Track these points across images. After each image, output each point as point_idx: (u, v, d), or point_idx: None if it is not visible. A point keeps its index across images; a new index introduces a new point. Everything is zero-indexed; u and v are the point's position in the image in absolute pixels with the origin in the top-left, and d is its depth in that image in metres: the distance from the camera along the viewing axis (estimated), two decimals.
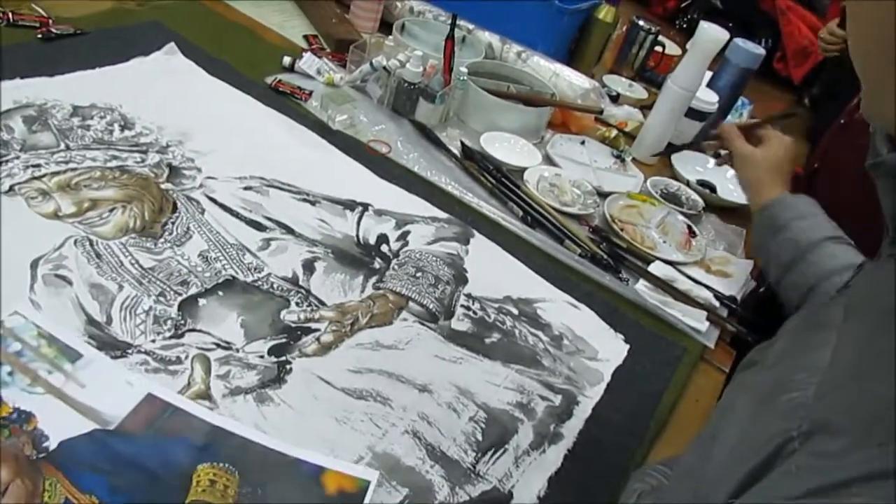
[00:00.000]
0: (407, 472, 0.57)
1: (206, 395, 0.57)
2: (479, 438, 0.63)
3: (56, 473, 0.46)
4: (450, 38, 1.09)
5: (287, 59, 1.10)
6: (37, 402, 0.49)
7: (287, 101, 1.01)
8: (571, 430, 0.67)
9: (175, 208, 0.75)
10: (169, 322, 0.62)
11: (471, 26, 1.32)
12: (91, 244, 0.66)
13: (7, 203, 0.67)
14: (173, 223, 0.73)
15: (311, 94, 1.05)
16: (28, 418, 0.48)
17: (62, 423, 0.49)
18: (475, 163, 1.03)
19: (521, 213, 0.96)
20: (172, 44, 1.01)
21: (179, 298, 0.65)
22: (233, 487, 0.50)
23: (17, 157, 0.73)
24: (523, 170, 1.04)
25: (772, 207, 0.89)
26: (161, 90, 0.93)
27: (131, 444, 0.50)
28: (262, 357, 0.62)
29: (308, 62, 1.10)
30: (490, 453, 0.62)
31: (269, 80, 1.05)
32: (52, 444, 0.48)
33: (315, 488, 0.52)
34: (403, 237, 0.83)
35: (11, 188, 0.69)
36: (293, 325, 0.66)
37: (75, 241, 0.66)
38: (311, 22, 1.32)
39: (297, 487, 0.52)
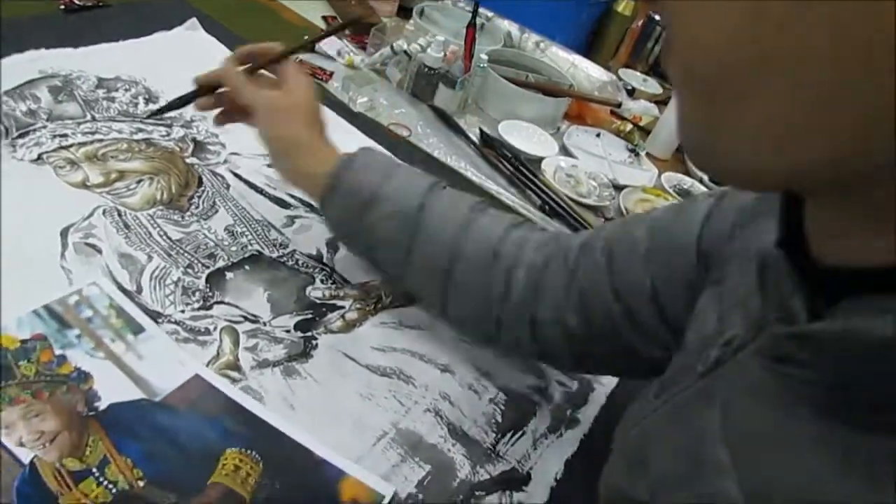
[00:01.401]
0: (429, 450, 0.58)
1: (235, 367, 0.58)
2: (499, 420, 0.64)
3: (100, 432, 0.47)
4: (471, 25, 1.10)
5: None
6: (96, 365, 0.51)
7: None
8: (587, 415, 0.68)
9: (200, 182, 0.75)
10: (197, 293, 0.63)
11: (490, 14, 1.32)
12: (119, 214, 0.67)
13: (36, 171, 0.68)
14: (199, 197, 0.73)
15: (332, 75, 1.05)
16: (86, 378, 0.50)
17: (114, 388, 0.50)
18: (494, 150, 1.03)
19: (539, 201, 0.97)
20: (194, 19, 1.01)
21: (207, 271, 0.65)
22: (254, 476, 0.50)
23: (45, 127, 0.73)
24: (541, 159, 1.05)
25: (343, 177, 0.63)
26: (184, 65, 0.92)
27: (171, 418, 0.51)
28: (288, 332, 0.63)
29: (329, 43, 1.10)
30: (509, 435, 0.63)
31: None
32: (102, 405, 0.49)
33: (330, 492, 0.52)
34: None
35: (40, 157, 0.69)
36: (318, 301, 0.67)
37: (104, 211, 0.66)
38: (331, 3, 1.32)
39: (314, 488, 0.52)
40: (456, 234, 0.62)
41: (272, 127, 0.66)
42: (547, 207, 0.96)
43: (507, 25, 1.32)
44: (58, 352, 0.50)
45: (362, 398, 0.60)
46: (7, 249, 0.58)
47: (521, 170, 1.01)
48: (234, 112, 0.70)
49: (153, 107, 0.73)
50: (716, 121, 0.26)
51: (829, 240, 0.29)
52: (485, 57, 1.13)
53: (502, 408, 0.65)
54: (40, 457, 0.45)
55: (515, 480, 0.59)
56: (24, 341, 0.49)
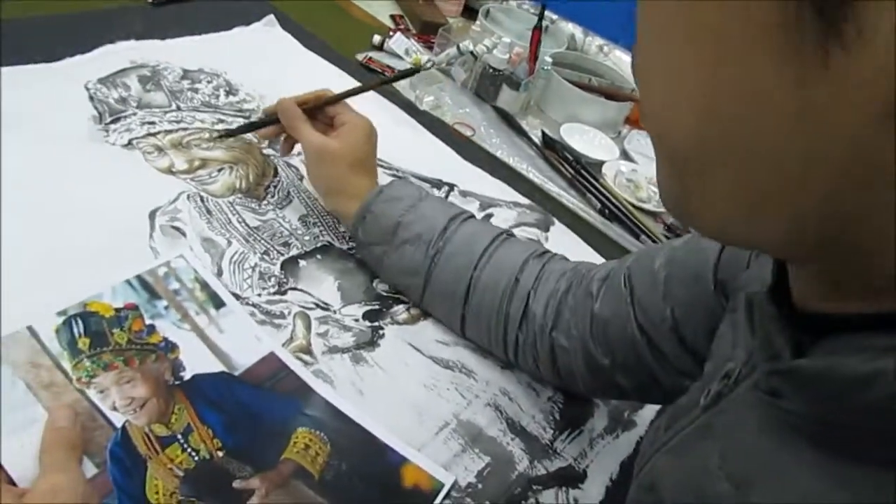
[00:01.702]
0: (489, 442, 0.60)
1: (307, 351, 0.60)
2: (557, 417, 0.65)
3: (185, 401, 0.50)
4: (537, 27, 1.11)
5: (377, 38, 1.13)
6: (182, 336, 0.54)
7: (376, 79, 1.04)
8: (644, 418, 0.69)
9: (276, 173, 0.78)
10: (273, 279, 0.65)
11: (554, 16, 1.33)
12: (202, 200, 0.70)
13: (127, 156, 0.72)
14: (275, 187, 0.76)
15: (404, 78, 1.07)
16: (173, 348, 0.53)
17: (198, 359, 0.53)
18: (555, 152, 1.04)
19: (598, 205, 0.97)
20: (272, 16, 1.05)
21: (282, 258, 0.68)
22: (323, 456, 0.52)
23: (134, 114, 0.77)
24: (601, 163, 1.05)
25: (371, 207, 0.66)
26: (261, 60, 0.96)
27: (249, 393, 0.53)
28: (356, 320, 0.65)
29: (397, 42, 1.13)
30: (567, 432, 0.64)
31: (359, 56, 1.08)
32: (186, 375, 0.52)
33: (392, 477, 0.53)
34: (487, 219, 0.85)
35: (130, 142, 0.73)
36: (384, 294, 0.69)
37: (188, 196, 0.70)
38: (398, 2, 1.34)
39: (377, 472, 0.53)
40: (476, 261, 0.64)
41: (316, 167, 0.71)
42: (606, 211, 0.97)
43: (570, 28, 1.33)
44: (148, 321, 0.53)
45: (426, 388, 0.62)
46: (102, 226, 0.62)
47: (581, 173, 1.01)
48: (294, 142, 0.74)
49: (227, 127, 0.77)
50: (686, 187, 0.28)
51: (808, 292, 0.30)
52: (549, 60, 1.14)
53: (560, 405, 0.66)
54: (131, 421, 0.48)
55: (572, 478, 0.60)
56: (117, 310, 0.53)
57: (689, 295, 0.52)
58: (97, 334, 0.50)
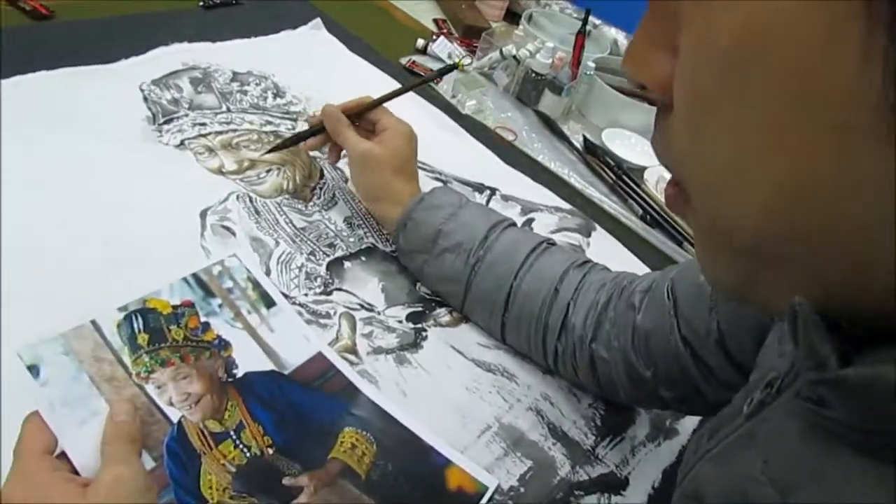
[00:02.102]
0: (531, 446, 0.60)
1: (352, 350, 0.61)
2: (599, 424, 0.65)
3: (237, 398, 0.52)
4: (581, 32, 1.11)
5: (420, 42, 1.14)
6: (235, 334, 0.55)
7: None
8: (686, 427, 0.69)
9: (322, 175, 0.79)
10: (319, 279, 0.67)
11: (597, 21, 1.32)
12: (251, 200, 0.72)
13: (179, 156, 0.74)
14: (321, 189, 0.77)
15: (442, 77, 1.08)
16: (226, 346, 0.54)
17: (250, 357, 0.54)
18: (597, 158, 1.04)
19: (640, 211, 0.97)
20: (318, 19, 1.06)
21: (327, 259, 0.69)
22: (369, 456, 0.53)
23: (186, 115, 0.79)
24: (643, 168, 1.05)
25: (412, 215, 0.67)
26: (307, 63, 0.98)
27: (298, 392, 0.54)
28: (400, 322, 0.66)
29: (441, 46, 1.14)
30: (608, 439, 0.64)
31: (403, 60, 1.09)
32: (239, 373, 0.53)
33: (437, 479, 0.54)
34: (528, 224, 0.85)
35: (182, 142, 0.75)
36: (427, 296, 0.70)
37: (237, 197, 0.71)
38: (441, 6, 1.35)
39: (421, 473, 0.54)
40: (516, 270, 0.64)
41: (360, 173, 0.72)
42: (648, 217, 0.96)
43: (614, 33, 1.32)
44: (203, 319, 0.55)
45: (468, 391, 0.63)
46: (157, 224, 0.64)
47: (623, 178, 1.01)
48: (341, 149, 0.75)
49: (274, 129, 0.78)
50: (750, 278, 0.28)
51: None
52: (592, 64, 1.13)
53: (602, 412, 0.66)
54: (186, 417, 0.49)
55: (614, 484, 0.60)
56: (175, 307, 0.54)
57: (736, 308, 0.52)
58: (155, 330, 0.52)
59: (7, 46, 0.78)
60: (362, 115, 0.73)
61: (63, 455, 0.43)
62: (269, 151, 0.75)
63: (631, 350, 0.59)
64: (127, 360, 0.49)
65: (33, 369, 0.45)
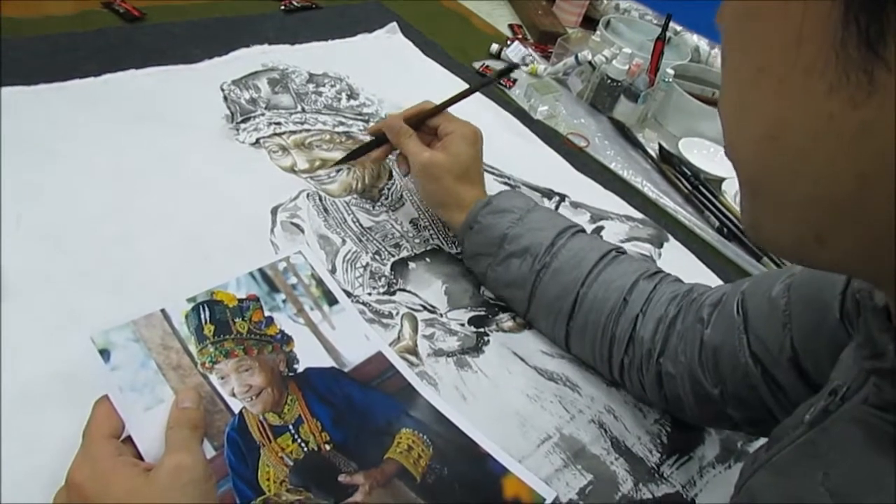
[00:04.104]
0: (592, 460, 0.58)
1: (413, 352, 0.61)
2: (664, 441, 0.62)
3: (297, 392, 0.52)
4: (660, 38, 1.08)
5: (494, 47, 1.14)
6: (297, 329, 0.56)
7: (492, 87, 1.05)
8: None
9: (390, 176, 0.80)
10: (383, 279, 0.67)
11: (679, 27, 1.28)
12: (320, 199, 0.73)
13: (254, 154, 0.75)
14: (389, 189, 0.78)
15: (515, 82, 1.07)
16: (288, 341, 0.55)
17: (311, 353, 0.55)
18: (672, 167, 1.01)
19: (717, 223, 0.93)
20: (394, 23, 1.07)
21: (392, 259, 0.69)
22: (425, 459, 0.52)
23: (263, 115, 0.81)
24: (721, 180, 1.01)
25: (479, 218, 0.66)
26: (382, 66, 0.99)
27: (357, 390, 0.54)
28: (462, 325, 0.65)
29: (514, 51, 1.13)
30: (675, 457, 0.61)
31: (476, 65, 1.09)
32: (300, 368, 0.54)
33: (493, 487, 0.53)
34: (597, 232, 0.83)
35: (258, 141, 0.77)
36: (491, 301, 0.69)
37: (307, 195, 0.73)
38: (517, 12, 1.34)
39: (478, 480, 0.53)
40: (583, 278, 0.63)
41: (425, 182, 0.70)
42: (724, 230, 0.92)
43: (695, 40, 1.28)
44: (267, 313, 0.56)
45: (529, 399, 0.61)
46: (230, 219, 0.66)
47: (699, 189, 0.97)
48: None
49: (346, 130, 0.79)
50: (760, 212, 0.31)
51: None
52: (671, 72, 1.10)
53: (668, 429, 0.63)
54: (247, 408, 0.50)
55: None
56: (240, 300, 0.55)
57: (812, 324, 0.49)
58: (221, 322, 0.53)
59: (102, 45, 0.82)
60: (424, 121, 0.72)
61: (129, 439, 0.45)
62: (338, 164, 0.76)
63: (698, 366, 0.56)
64: (193, 349, 0.51)
65: (104, 354, 0.47)
